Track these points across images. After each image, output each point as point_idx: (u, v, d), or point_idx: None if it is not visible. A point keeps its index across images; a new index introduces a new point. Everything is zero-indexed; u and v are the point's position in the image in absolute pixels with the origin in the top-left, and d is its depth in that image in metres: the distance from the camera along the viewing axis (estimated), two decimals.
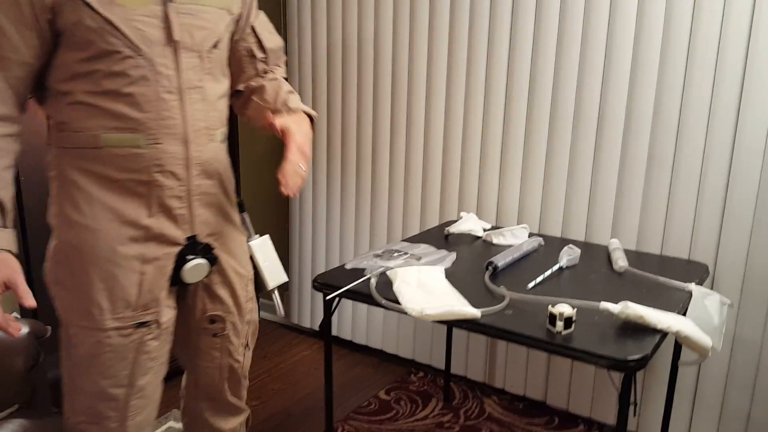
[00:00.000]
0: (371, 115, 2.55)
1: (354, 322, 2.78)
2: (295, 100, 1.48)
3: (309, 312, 2.93)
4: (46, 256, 1.31)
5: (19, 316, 2.34)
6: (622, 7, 1.96)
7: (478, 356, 2.48)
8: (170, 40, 1.21)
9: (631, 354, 1.25)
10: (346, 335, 2.81)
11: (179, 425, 2.15)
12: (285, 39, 2.73)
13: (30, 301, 1.14)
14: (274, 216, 3.01)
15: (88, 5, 1.13)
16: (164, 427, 2.19)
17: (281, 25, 2.78)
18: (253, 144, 3.00)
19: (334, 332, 2.85)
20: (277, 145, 3.08)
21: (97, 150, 1.22)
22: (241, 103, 1.53)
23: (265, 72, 1.49)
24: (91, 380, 1.28)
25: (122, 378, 1.29)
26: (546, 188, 2.22)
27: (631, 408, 1.46)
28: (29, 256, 2.12)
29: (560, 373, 2.30)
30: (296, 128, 1.30)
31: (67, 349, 1.30)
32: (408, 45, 2.40)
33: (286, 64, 1.62)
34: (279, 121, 1.30)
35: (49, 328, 1.63)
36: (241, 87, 1.49)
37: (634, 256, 1.94)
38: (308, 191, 2.81)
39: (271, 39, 1.49)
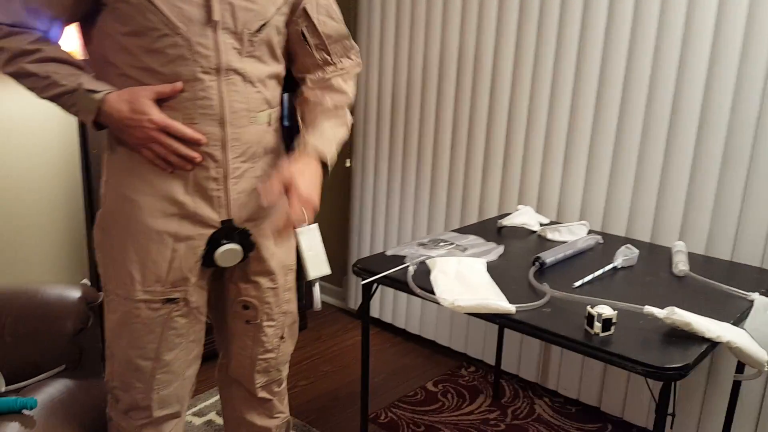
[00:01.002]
0: (434, 103, 2.51)
1: (408, 311, 2.76)
2: (316, 138, 1.33)
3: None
4: (95, 223, 1.36)
5: (87, 282, 2.47)
6: (699, 1, 1.82)
7: (532, 355, 2.40)
8: (210, 19, 1.20)
9: (671, 362, 1.16)
10: (400, 324, 2.80)
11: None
12: (355, 17, 2.73)
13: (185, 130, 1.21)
14: (335, 200, 3.02)
15: None
16: (214, 398, 2.25)
17: (350, 8, 2.78)
18: None
19: (388, 320, 2.84)
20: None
21: None
22: (297, 101, 1.43)
23: (327, 63, 1.39)
24: (121, 348, 1.31)
25: (149, 351, 1.31)
26: (612, 184, 2.11)
27: (669, 419, 1.37)
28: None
29: (616, 378, 2.19)
30: (300, 178, 1.24)
31: (106, 314, 1.35)
32: (475, 32, 2.34)
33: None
34: (279, 176, 1.23)
35: (101, 294, 1.69)
36: (298, 77, 1.42)
37: (700, 261, 1.81)
38: (369, 178, 2.80)
39: (330, 24, 1.37)
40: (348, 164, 2.89)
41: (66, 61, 1.22)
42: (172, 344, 1.32)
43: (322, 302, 3.21)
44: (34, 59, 1.19)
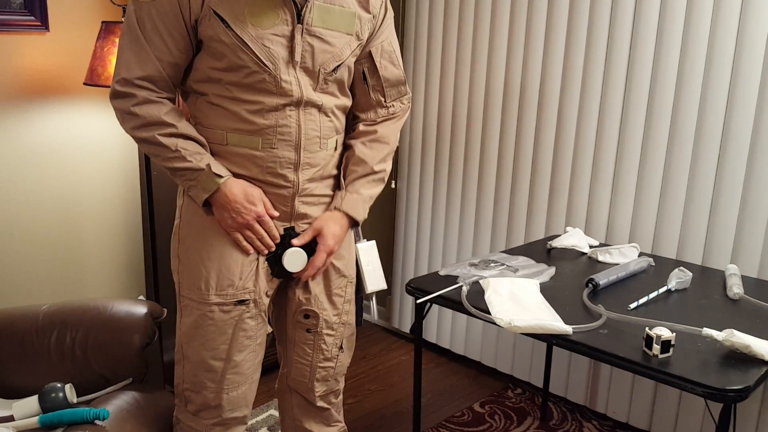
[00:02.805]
0: (480, 125, 2.55)
1: (453, 331, 2.78)
2: (352, 197, 1.46)
3: (409, 317, 2.97)
4: (172, 232, 1.46)
5: (144, 298, 2.56)
6: (752, 28, 1.83)
7: (580, 377, 2.40)
8: (292, 59, 1.32)
9: (731, 384, 1.17)
10: (445, 344, 2.81)
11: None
12: (401, 35, 2.79)
13: (272, 211, 1.38)
14: (380, 221, 3.07)
15: (225, 22, 1.27)
16: (265, 414, 2.30)
17: (398, 26, 2.85)
18: None
19: (432, 340, 2.86)
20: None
21: (222, 146, 1.36)
22: (345, 153, 1.52)
23: (380, 105, 1.50)
24: (195, 350, 1.40)
25: (221, 351, 1.39)
26: (662, 206, 2.11)
27: None
28: (155, 243, 2.32)
29: (668, 401, 2.17)
30: (328, 232, 1.42)
31: (179, 319, 1.43)
32: (522, 54, 2.38)
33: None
34: (314, 227, 1.42)
35: (165, 310, 1.76)
36: (353, 113, 1.52)
37: (754, 284, 1.80)
38: (414, 198, 2.84)
39: (390, 69, 1.48)
40: (393, 185, 2.94)
41: (193, 138, 1.34)
42: (242, 345, 1.41)
43: (365, 321, 3.25)
44: (167, 132, 1.30)
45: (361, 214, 1.47)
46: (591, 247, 2.07)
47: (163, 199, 2.29)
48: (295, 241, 1.41)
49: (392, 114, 1.52)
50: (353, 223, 1.47)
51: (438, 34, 2.62)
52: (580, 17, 2.19)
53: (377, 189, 1.50)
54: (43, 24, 2.15)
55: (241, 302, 1.39)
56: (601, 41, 2.16)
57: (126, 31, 1.30)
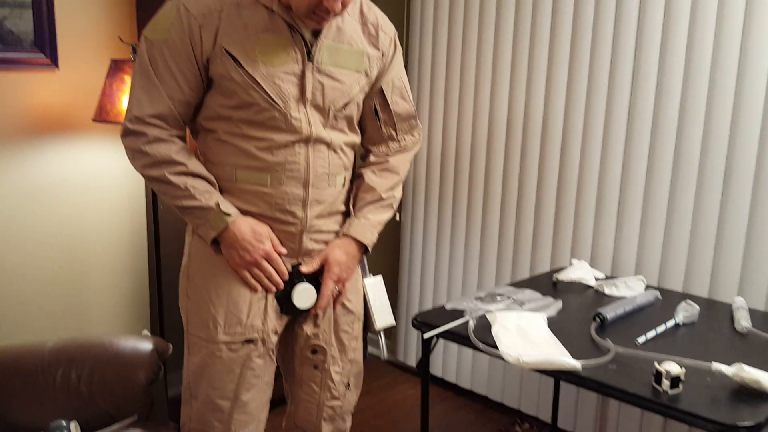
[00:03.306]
0: (484, 155, 2.56)
1: (459, 365, 2.76)
2: (361, 223, 1.46)
3: (414, 351, 2.95)
4: (181, 270, 1.45)
5: (148, 334, 2.55)
6: (751, 75, 1.86)
7: (588, 411, 2.37)
8: (302, 96, 1.33)
9: (742, 419, 1.16)
10: (451, 378, 2.79)
11: None
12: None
13: (280, 248, 1.39)
14: (384, 253, 3.07)
15: (236, 61, 1.29)
16: None
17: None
18: None
19: (438, 374, 2.83)
20: None
21: (231, 183, 1.37)
22: (356, 182, 1.53)
23: (392, 139, 1.52)
24: (202, 389, 1.39)
25: (228, 391, 1.38)
26: (667, 239, 2.11)
27: None
28: (161, 278, 2.32)
29: None
30: (334, 259, 1.42)
31: (187, 357, 1.43)
32: (525, 86, 2.41)
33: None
34: (323, 256, 1.43)
35: (170, 345, 1.76)
36: (364, 146, 1.55)
37: (761, 317, 1.79)
38: (419, 230, 2.85)
39: (401, 104, 1.51)
40: (398, 218, 2.95)
41: (203, 176, 1.35)
42: (250, 385, 1.40)
43: (370, 354, 3.23)
44: (177, 171, 1.32)
45: (369, 238, 1.47)
46: (597, 279, 2.06)
47: (169, 234, 2.30)
48: (303, 268, 1.41)
49: (404, 147, 1.54)
50: (363, 249, 1.47)
51: (441, 68, 2.65)
52: (582, 49, 2.22)
53: (386, 215, 1.51)
54: (53, 62, 2.19)
55: (249, 341, 1.38)
56: (603, 72, 2.19)
57: (138, 70, 1.32)
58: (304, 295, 1.41)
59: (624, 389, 1.31)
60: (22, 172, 2.16)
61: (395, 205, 1.53)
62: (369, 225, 1.48)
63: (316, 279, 1.44)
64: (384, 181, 1.50)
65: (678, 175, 2.06)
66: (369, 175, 1.50)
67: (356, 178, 1.52)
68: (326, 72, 1.35)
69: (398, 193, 1.54)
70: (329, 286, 1.42)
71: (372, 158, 1.52)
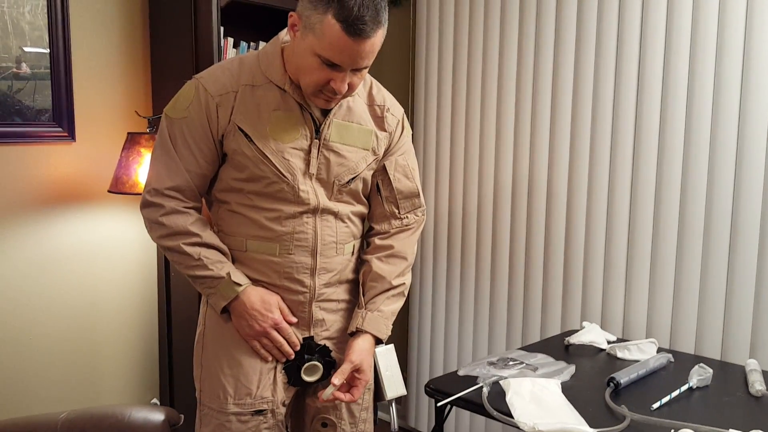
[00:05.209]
0: (491, 220, 2.59)
1: (472, 430, 2.71)
2: (375, 316, 1.46)
3: (425, 415, 2.91)
4: (195, 340, 1.48)
5: (158, 402, 2.53)
6: (751, 129, 1.91)
7: None
8: (307, 170, 1.39)
9: None
10: None
11: None
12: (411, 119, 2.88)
13: (290, 318, 1.40)
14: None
15: (248, 137, 1.35)
16: None
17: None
18: None
19: None
20: None
21: (242, 252, 1.41)
22: (362, 269, 1.53)
23: (394, 217, 1.52)
24: None
25: None
26: (677, 300, 2.12)
27: None
28: (172, 347, 2.32)
29: None
30: (367, 367, 1.43)
31: (199, 428, 1.43)
32: (528, 150, 2.45)
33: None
34: (349, 363, 1.40)
35: (182, 416, 1.75)
36: (369, 224, 1.56)
37: None
38: (427, 295, 2.85)
39: (403, 182, 1.52)
40: None
41: (216, 247, 1.39)
42: None
43: (380, 420, 3.18)
44: (192, 242, 1.36)
45: (384, 332, 1.47)
46: (609, 342, 2.06)
47: (179, 302, 2.32)
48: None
49: (406, 225, 1.54)
50: (377, 340, 1.48)
51: (446, 134, 2.72)
52: (583, 112, 2.28)
53: (398, 304, 1.51)
54: (70, 135, 2.26)
55: (259, 412, 1.39)
56: (605, 135, 2.23)
57: (159, 144, 1.38)
58: (312, 369, 1.43)
59: None
60: (37, 242, 2.20)
61: (406, 292, 1.53)
62: (383, 318, 1.47)
63: (326, 352, 1.45)
64: (392, 267, 1.50)
65: (684, 236, 2.08)
66: (376, 263, 1.49)
67: (362, 264, 1.52)
68: (333, 148, 1.40)
69: (408, 279, 1.54)
70: (359, 391, 1.42)
71: (376, 242, 1.51)
